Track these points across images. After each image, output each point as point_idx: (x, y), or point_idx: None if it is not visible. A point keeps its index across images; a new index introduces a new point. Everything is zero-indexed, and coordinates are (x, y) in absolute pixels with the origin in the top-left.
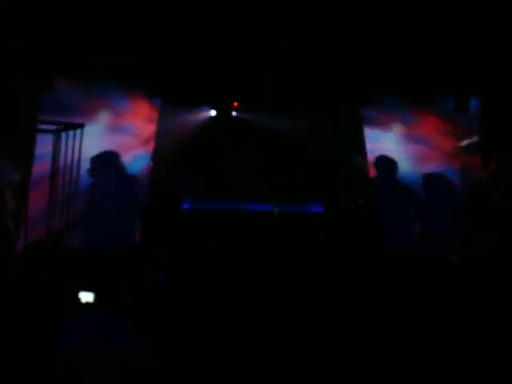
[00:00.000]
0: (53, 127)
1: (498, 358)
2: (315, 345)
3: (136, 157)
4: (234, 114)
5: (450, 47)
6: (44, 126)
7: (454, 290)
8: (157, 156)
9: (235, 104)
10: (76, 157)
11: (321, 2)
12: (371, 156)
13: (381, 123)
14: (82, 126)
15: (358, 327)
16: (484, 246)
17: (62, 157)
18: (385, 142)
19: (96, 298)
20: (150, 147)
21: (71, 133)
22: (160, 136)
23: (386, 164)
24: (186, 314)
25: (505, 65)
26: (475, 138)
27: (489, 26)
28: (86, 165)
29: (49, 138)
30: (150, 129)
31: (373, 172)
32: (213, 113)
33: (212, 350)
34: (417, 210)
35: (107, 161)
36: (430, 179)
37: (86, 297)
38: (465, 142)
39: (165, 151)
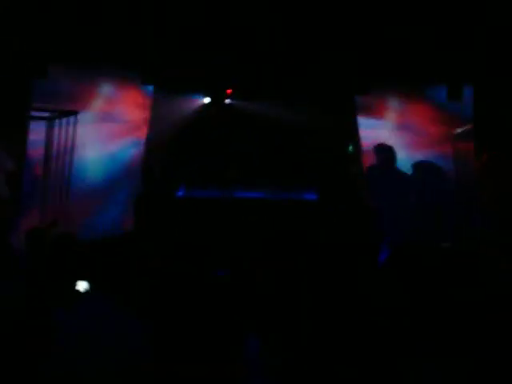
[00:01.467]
0: (46, 114)
1: (497, 357)
2: (308, 328)
3: (126, 144)
4: (227, 101)
5: (444, 37)
6: (37, 113)
7: (448, 283)
8: (150, 143)
9: (228, 91)
10: (70, 143)
11: None
12: (364, 144)
13: (374, 111)
14: (75, 112)
15: (349, 317)
16: (476, 237)
17: (55, 143)
18: (377, 129)
19: (92, 288)
20: (141, 134)
21: (64, 120)
22: (153, 123)
23: (385, 152)
24: (181, 302)
25: (497, 53)
26: (469, 126)
27: (481, 16)
28: (79, 151)
29: (42, 124)
30: (140, 116)
31: (368, 159)
32: (206, 100)
33: (207, 333)
34: (411, 198)
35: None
36: (420, 167)
37: (83, 285)
38: (459, 130)
39: (158, 139)
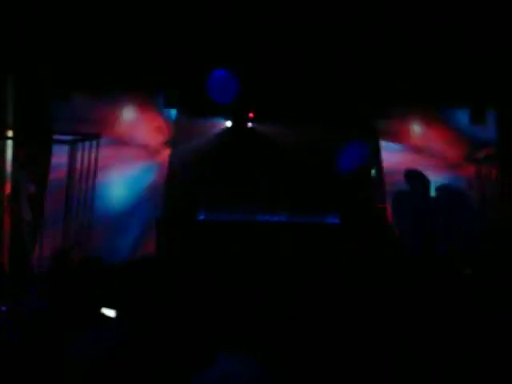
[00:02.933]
0: (69, 138)
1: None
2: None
3: (147, 167)
4: (249, 125)
5: (466, 59)
6: (60, 137)
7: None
8: (172, 167)
9: (251, 115)
10: (92, 166)
11: (339, 17)
12: (386, 167)
13: (395, 135)
14: (98, 136)
15: (369, 340)
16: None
17: (78, 166)
18: (399, 153)
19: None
20: (162, 157)
21: (87, 143)
22: (175, 147)
23: (415, 177)
24: (201, 324)
25: None
26: (491, 150)
27: (506, 39)
28: (100, 175)
29: (65, 148)
30: (161, 139)
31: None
32: (228, 124)
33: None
34: (435, 222)
35: None
36: (442, 190)
37: (109, 312)
38: (481, 154)
39: (180, 162)
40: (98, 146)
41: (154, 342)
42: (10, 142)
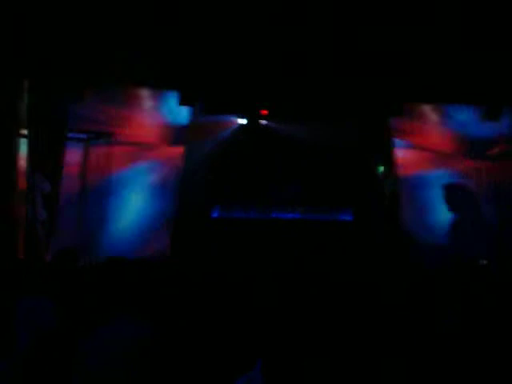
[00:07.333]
0: (83, 136)
1: None
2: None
3: (157, 164)
4: (263, 122)
5: (482, 59)
6: (74, 135)
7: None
8: (186, 164)
9: (264, 112)
10: (105, 164)
11: (358, 19)
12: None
13: (407, 133)
14: (111, 134)
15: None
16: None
17: (91, 164)
18: (410, 150)
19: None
20: (174, 155)
21: (100, 141)
22: (189, 144)
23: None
24: (213, 321)
25: None
26: (505, 146)
27: None
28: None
29: (78, 146)
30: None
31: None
32: (242, 121)
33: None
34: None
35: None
36: (451, 188)
37: None
38: (495, 150)
39: (194, 159)
40: (111, 144)
41: (167, 343)
42: (24, 141)
